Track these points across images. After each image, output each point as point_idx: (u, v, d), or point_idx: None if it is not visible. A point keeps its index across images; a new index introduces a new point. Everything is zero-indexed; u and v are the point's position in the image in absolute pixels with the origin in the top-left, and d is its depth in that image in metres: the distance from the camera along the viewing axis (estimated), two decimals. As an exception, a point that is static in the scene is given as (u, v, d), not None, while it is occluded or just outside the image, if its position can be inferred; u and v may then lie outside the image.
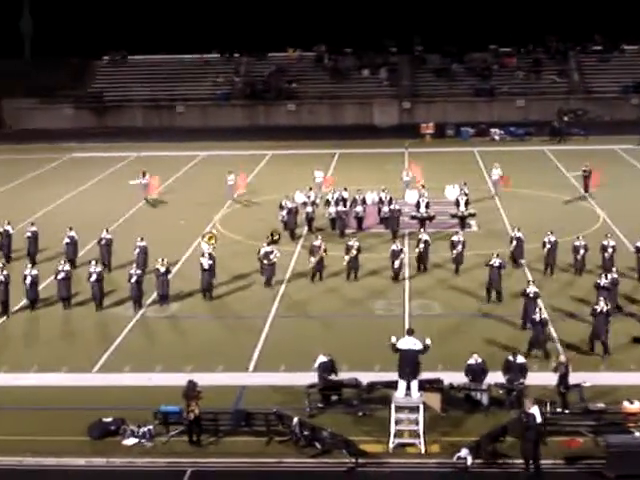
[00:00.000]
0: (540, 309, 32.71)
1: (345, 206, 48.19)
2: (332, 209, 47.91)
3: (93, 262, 38.41)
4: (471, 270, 40.54)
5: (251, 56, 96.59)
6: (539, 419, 24.24)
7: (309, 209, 48.21)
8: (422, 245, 40.97)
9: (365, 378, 28.62)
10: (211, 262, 38.60)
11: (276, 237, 44.02)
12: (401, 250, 40.31)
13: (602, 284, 34.25)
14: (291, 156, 69.72)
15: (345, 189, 49.99)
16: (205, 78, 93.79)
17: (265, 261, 39.61)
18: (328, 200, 48.91)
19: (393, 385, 26.67)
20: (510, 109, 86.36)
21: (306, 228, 47.89)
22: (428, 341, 26.79)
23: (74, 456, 25.50)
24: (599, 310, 31.46)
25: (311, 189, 51.01)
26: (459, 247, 40.56)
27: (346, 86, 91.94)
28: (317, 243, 40.80)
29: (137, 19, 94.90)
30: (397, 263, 39.95)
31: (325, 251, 40.59)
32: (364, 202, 49.08)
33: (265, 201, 54.28)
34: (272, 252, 39.66)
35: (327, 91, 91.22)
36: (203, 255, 39.12)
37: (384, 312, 36.48)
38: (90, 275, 37.57)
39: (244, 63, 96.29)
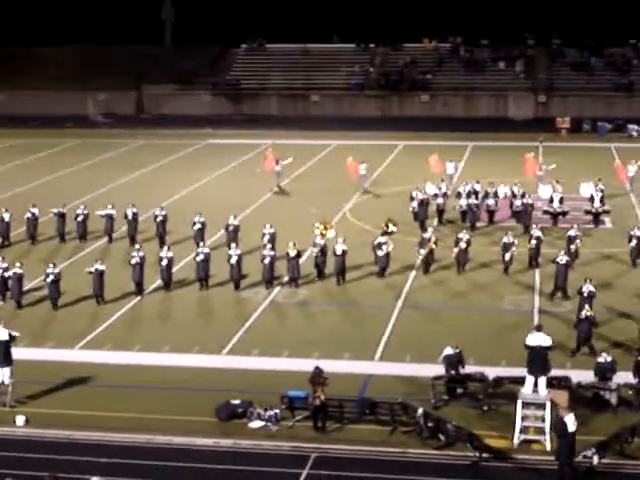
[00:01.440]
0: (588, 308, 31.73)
1: (477, 199, 47.89)
2: (463, 201, 47.64)
3: (233, 245, 39.34)
4: (588, 265, 40.07)
5: (386, 46, 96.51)
6: (571, 428, 23.49)
7: (440, 201, 48.06)
8: (534, 241, 40.44)
9: (491, 373, 28.49)
10: (345, 247, 39.03)
11: (391, 229, 43.51)
12: (512, 243, 39.88)
13: None
14: (423, 147, 69.44)
15: (477, 181, 49.68)
16: (340, 68, 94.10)
17: (378, 252, 39.70)
18: (459, 192, 48.68)
19: (520, 381, 26.49)
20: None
21: (436, 220, 47.77)
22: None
23: (202, 436, 26.04)
24: None
25: (442, 180, 50.83)
26: (577, 242, 39.98)
27: (481, 78, 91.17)
28: (427, 235, 40.59)
29: (276, 7, 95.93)
30: (507, 256, 39.65)
31: (435, 243, 40.47)
32: (496, 195, 48.67)
33: (396, 192, 54.30)
34: (385, 243, 39.69)
35: (461, 82, 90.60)
36: (337, 241, 39.56)
37: (513, 307, 36.18)
38: (230, 257, 38.40)
39: (379, 53, 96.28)
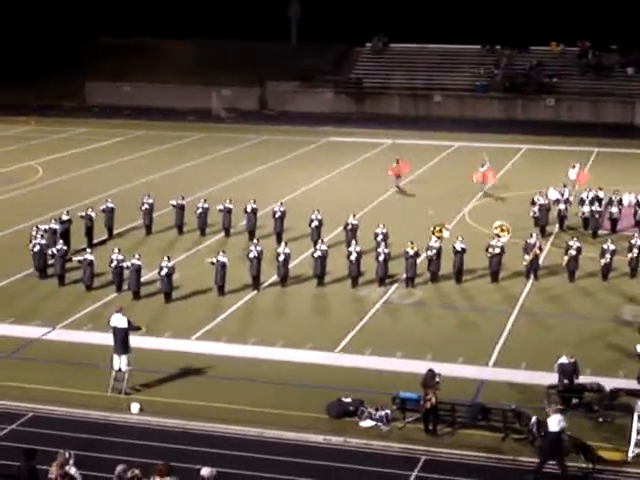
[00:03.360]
0: None
1: (600, 206, 47.03)
2: (586, 208, 46.84)
3: (354, 242, 39.65)
4: None
5: (513, 49, 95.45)
6: (553, 427, 23.57)
7: (562, 206, 47.33)
8: (636, 250, 39.55)
9: (608, 384, 27.97)
10: (464, 246, 39.05)
11: (501, 236, 42.72)
12: (613, 251, 39.35)
13: None
14: (546, 152, 68.55)
15: (600, 188, 48.77)
16: (464, 69, 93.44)
17: (488, 255, 39.51)
18: (582, 199, 47.85)
19: (637, 393, 25.95)
20: None
21: (557, 226, 47.08)
22: None
23: (313, 432, 26.15)
24: None
25: (565, 186, 50.03)
26: None
27: (609, 83, 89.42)
28: (531, 241, 40.00)
29: (400, 7, 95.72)
30: (602, 262, 39.35)
31: (540, 249, 39.89)
32: (620, 203, 47.72)
33: (517, 196, 53.68)
34: (495, 246, 39.37)
35: (588, 87, 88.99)
36: (456, 240, 39.60)
37: (632, 318, 35.43)
38: (350, 254, 38.67)
39: (505, 56, 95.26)
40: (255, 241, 40.20)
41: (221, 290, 37.57)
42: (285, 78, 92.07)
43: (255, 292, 38.08)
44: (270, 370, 30.47)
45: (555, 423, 23.94)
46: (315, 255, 38.92)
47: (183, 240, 45.55)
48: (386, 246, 39.70)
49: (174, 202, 46.72)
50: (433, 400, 26.06)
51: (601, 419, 26.86)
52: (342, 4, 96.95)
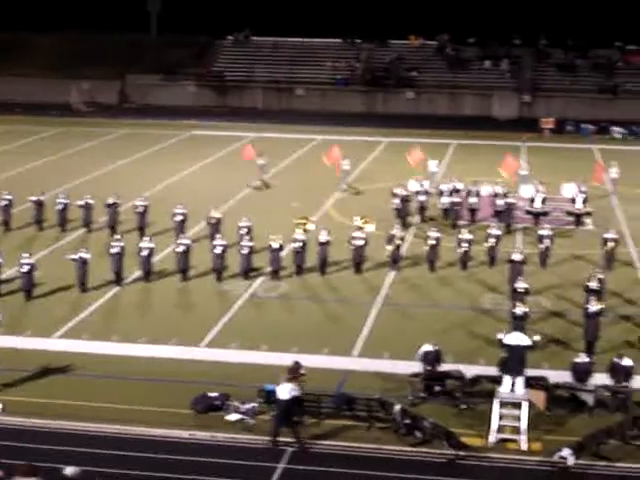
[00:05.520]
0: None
1: (459, 197, 47.92)
2: (445, 199, 47.70)
3: (218, 236, 39.45)
4: (561, 266, 40.65)
5: (373, 42, 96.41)
6: (284, 396, 24.90)
7: (422, 198, 48.07)
8: (493, 239, 40.61)
9: (469, 371, 28.55)
10: (329, 238, 39.35)
11: (367, 227, 43.17)
12: (470, 240, 40.32)
13: None
14: (407, 144, 69.27)
15: (460, 180, 49.71)
16: (326, 62, 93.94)
17: (350, 247, 39.96)
18: (442, 190, 48.70)
19: (497, 380, 26.53)
20: (633, 108, 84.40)
21: (418, 217, 47.78)
22: (537, 337, 26.78)
23: (178, 428, 25.96)
24: None
25: (425, 178, 50.82)
26: (546, 241, 40.24)
27: (467, 76, 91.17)
28: (393, 232, 40.67)
29: (262, 0, 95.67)
30: (460, 251, 40.23)
31: (402, 239, 40.57)
32: (478, 194, 48.74)
33: (378, 188, 54.29)
34: (358, 238, 39.81)
35: (447, 80, 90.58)
36: (320, 232, 39.91)
37: (491, 306, 36.23)
38: (213, 248, 38.49)
39: (365, 49, 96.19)
40: (117, 236, 39.69)
41: (83, 287, 36.96)
42: (146, 71, 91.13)
43: (118, 288, 37.60)
44: (135, 366, 30.14)
45: (286, 392, 24.99)
46: (178, 250, 38.63)
47: (43, 236, 44.68)
48: (250, 239, 39.69)
49: (33, 198, 45.76)
50: (298, 392, 26.16)
51: (463, 406, 27.36)
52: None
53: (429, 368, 28.14)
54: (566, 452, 24.33)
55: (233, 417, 26.63)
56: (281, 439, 25.25)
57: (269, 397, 26.80)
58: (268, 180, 56.70)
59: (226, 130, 76.04)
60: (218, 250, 38.44)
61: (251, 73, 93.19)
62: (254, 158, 56.46)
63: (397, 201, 47.29)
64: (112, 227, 44.40)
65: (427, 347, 28.36)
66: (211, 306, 36.10)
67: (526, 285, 34.36)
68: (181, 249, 38.49)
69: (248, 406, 26.67)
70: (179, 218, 43.44)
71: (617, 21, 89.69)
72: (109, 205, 44.81)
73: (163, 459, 24.45)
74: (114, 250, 37.63)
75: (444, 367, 28.47)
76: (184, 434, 25.75)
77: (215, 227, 42.54)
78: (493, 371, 27.52)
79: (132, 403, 27.27)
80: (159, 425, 26.04)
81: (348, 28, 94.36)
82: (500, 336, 26.89)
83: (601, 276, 35.07)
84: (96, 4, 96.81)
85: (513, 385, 25.90)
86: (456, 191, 48.35)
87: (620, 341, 32.19)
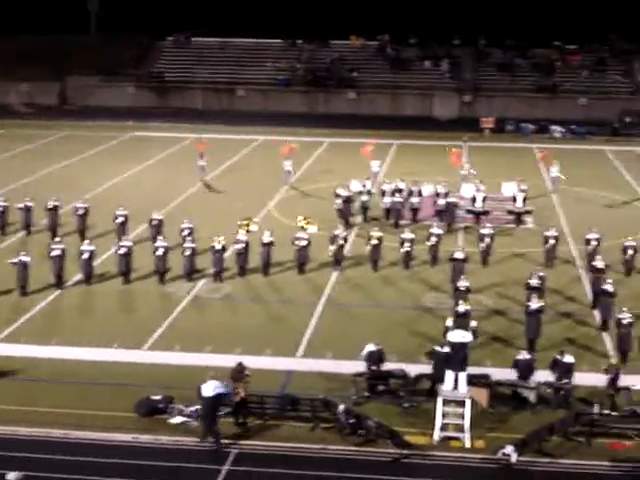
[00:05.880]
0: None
1: (400, 197, 48.13)
2: (387, 199, 47.89)
3: (160, 238, 39.37)
4: (502, 264, 41.18)
5: (314, 43, 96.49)
6: (208, 394, 25.17)
7: (364, 198, 48.22)
8: (435, 238, 40.90)
9: (412, 370, 28.69)
10: (272, 238, 39.37)
11: (309, 228, 43.16)
12: (412, 240, 40.58)
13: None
14: (349, 144, 69.60)
15: (401, 180, 49.93)
16: (267, 63, 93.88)
17: (295, 247, 39.96)
18: (384, 190, 48.89)
19: (440, 378, 26.67)
20: (572, 107, 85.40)
21: (361, 217, 47.91)
22: (474, 323, 27.38)
23: (121, 432, 25.79)
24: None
25: (367, 178, 51.00)
26: (487, 240, 40.58)
27: (407, 76, 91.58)
28: (336, 232, 40.79)
29: (203, 1, 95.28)
30: (402, 251, 40.57)
31: (345, 239, 40.71)
32: (420, 194, 48.99)
33: (320, 188, 54.33)
34: (302, 239, 39.87)
35: (388, 81, 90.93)
36: (264, 233, 39.85)
37: (434, 305, 36.42)
38: (155, 250, 38.33)
39: (306, 50, 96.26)
40: (57, 239, 39.31)
41: (23, 290, 36.55)
42: (86, 73, 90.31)
43: (59, 291, 37.25)
44: (77, 370, 29.88)
45: (210, 389, 25.20)
46: (120, 252, 38.35)
47: (-19, 240, 44.18)
48: (192, 241, 39.52)
49: (-29, 201, 45.24)
50: (242, 393, 26.14)
51: (406, 404, 27.49)
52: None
53: (374, 368, 28.24)
54: (509, 449, 24.56)
55: (177, 420, 26.52)
56: (228, 441, 25.22)
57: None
58: (209, 181, 56.54)
59: (167, 131, 75.63)
60: (160, 252, 38.27)
61: (192, 74, 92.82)
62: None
63: (340, 201, 47.38)
64: (53, 230, 43.95)
65: (370, 346, 28.46)
66: (154, 308, 35.89)
67: (468, 283, 34.60)
68: (122, 251, 38.22)
69: (192, 409, 26.57)
70: (120, 220, 43.14)
71: (556, 21, 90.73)
72: (49, 209, 44.36)
73: (107, 463, 24.30)
74: (55, 253, 37.29)
75: (388, 366, 28.61)
76: (128, 437, 25.59)
77: (157, 229, 42.31)
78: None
79: (75, 407, 27.05)
80: (103, 429, 25.85)
81: (289, 29, 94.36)
82: (449, 323, 27.23)
83: (542, 274, 35.47)
84: (35, 5, 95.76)
85: (456, 383, 26.05)
86: (398, 191, 48.53)
87: (561, 338, 32.59)
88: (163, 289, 37.87)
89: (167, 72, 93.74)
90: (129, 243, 38.89)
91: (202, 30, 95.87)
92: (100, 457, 24.53)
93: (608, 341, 32.56)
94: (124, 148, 69.19)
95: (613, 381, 27.41)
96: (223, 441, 25.18)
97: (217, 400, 25.45)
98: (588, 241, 40.32)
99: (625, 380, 27.75)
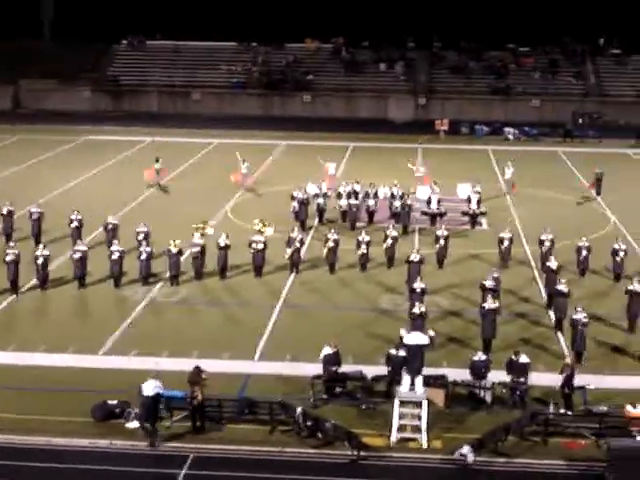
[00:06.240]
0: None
1: (357, 199, 48.26)
2: (343, 202, 48.00)
3: (115, 242, 39.20)
4: (458, 265, 41.54)
5: (269, 46, 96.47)
6: (148, 393, 25.55)
7: (320, 200, 48.31)
8: (391, 240, 41.10)
9: (369, 371, 28.78)
10: (228, 242, 39.37)
11: (266, 230, 43.19)
12: (368, 242, 40.67)
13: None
14: (304, 147, 69.69)
15: (357, 182, 50.06)
16: (221, 66, 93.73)
17: (251, 251, 39.94)
18: (340, 192, 48.99)
19: (398, 379, 26.79)
20: (525, 109, 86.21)
21: (317, 219, 47.99)
22: (431, 332, 27.48)
23: (78, 437, 25.64)
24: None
25: (323, 181, 51.10)
26: (442, 241, 40.87)
27: (362, 79, 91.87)
28: (293, 235, 40.89)
29: (157, 4, 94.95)
30: (359, 253, 40.73)
31: (301, 242, 40.80)
32: (376, 196, 49.14)
33: (277, 191, 54.33)
34: (258, 242, 39.81)
35: (343, 83, 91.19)
36: (220, 236, 39.78)
37: (390, 307, 36.55)
38: (111, 254, 38.13)
39: (261, 52, 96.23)
40: (12, 244, 39.00)
41: (-23, 296, 36.30)
42: (40, 77, 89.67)
43: (14, 297, 36.96)
44: (33, 375, 29.67)
45: (150, 388, 25.51)
46: (75, 256, 38.12)
47: None
48: (148, 245, 39.39)
49: None
50: (199, 397, 26.09)
51: (364, 406, 27.58)
52: (96, 3, 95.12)
53: (333, 369, 28.29)
54: (466, 449, 24.71)
55: (133, 424, 26.40)
56: (185, 445, 25.19)
57: (169, 403, 26.69)
58: (165, 184, 56.37)
59: (121, 135, 75.28)
60: (115, 256, 38.08)
61: (146, 77, 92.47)
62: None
63: (296, 204, 47.41)
64: (7, 235, 43.60)
65: (327, 349, 28.51)
66: (109, 313, 35.72)
67: (424, 285, 34.78)
68: (77, 256, 37.98)
69: (149, 413, 26.47)
70: (75, 224, 42.87)
71: (509, 23, 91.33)
72: (3, 214, 44.01)
73: (65, 468, 24.19)
74: (9, 258, 37.01)
75: (345, 368, 28.68)
76: (84, 442, 25.46)
77: (112, 233, 42.13)
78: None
79: (31, 413, 26.85)
80: (59, 434, 25.70)
81: (244, 31, 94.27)
82: (402, 333, 27.27)
83: (497, 275, 35.71)
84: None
85: (413, 384, 26.17)
86: (354, 193, 48.68)
87: (516, 338, 32.83)
88: (119, 293, 37.70)
89: (122, 75, 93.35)
90: (84, 247, 38.68)
91: (157, 33, 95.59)
92: (57, 462, 24.38)
93: (563, 341, 32.86)
94: (79, 152, 68.73)
95: (568, 380, 27.64)
96: (159, 441, 25.33)
97: (156, 399, 25.63)
98: (542, 242, 40.64)
99: (580, 380, 28.00)
